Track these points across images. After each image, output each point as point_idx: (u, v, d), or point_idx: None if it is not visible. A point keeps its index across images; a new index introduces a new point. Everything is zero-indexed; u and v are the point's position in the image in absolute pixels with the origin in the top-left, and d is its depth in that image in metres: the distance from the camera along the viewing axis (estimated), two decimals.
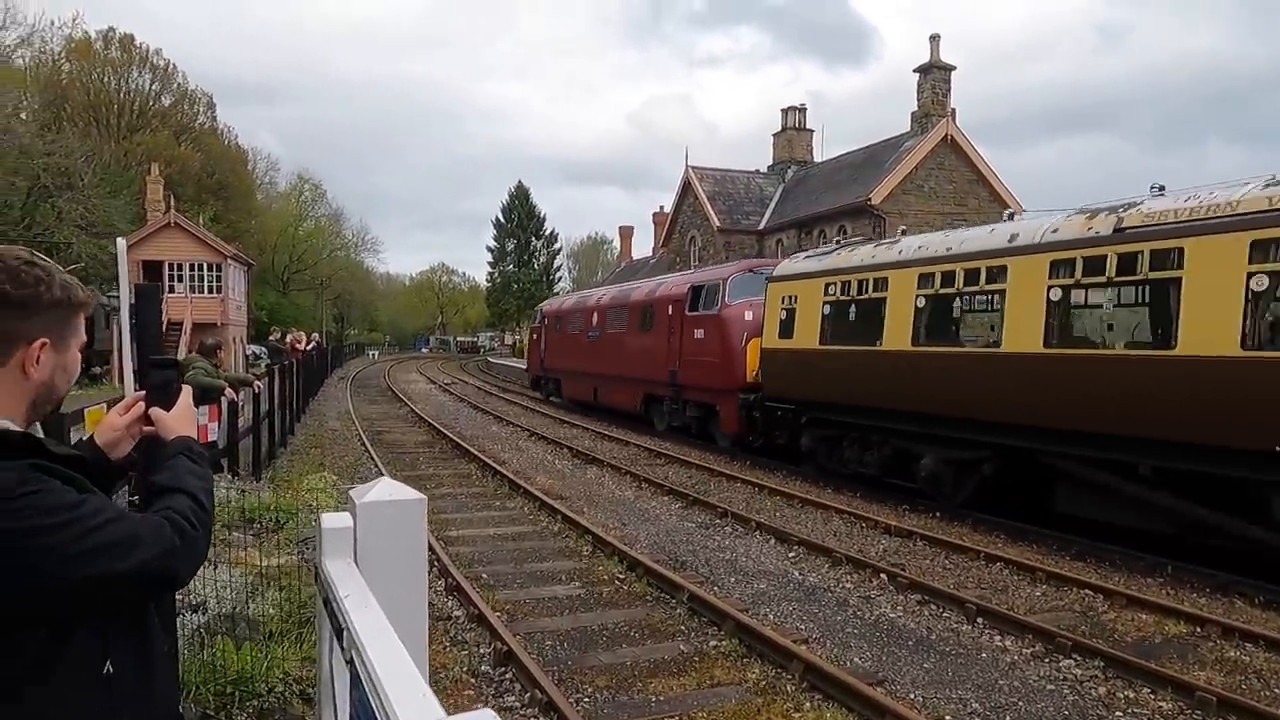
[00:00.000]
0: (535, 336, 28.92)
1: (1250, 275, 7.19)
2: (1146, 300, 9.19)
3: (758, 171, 36.83)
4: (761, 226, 33.28)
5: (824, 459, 13.24)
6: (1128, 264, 8.40)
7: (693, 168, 35.57)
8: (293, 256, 68.13)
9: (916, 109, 28.34)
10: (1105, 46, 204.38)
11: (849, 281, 12.51)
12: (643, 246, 59.60)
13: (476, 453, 14.89)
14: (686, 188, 36.05)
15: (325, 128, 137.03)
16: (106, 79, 50.87)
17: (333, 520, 2.37)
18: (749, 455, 15.09)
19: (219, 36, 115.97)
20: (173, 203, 37.83)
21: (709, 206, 33.70)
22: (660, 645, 6.13)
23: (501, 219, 74.11)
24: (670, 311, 18.04)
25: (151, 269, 35.18)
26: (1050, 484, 9.60)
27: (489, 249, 74.81)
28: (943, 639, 6.35)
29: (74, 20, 64.54)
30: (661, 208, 50.55)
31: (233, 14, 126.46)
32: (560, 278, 77.20)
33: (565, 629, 6.44)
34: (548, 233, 75.11)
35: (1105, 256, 8.58)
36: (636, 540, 9.12)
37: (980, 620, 6.66)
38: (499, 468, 13.27)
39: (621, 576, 7.76)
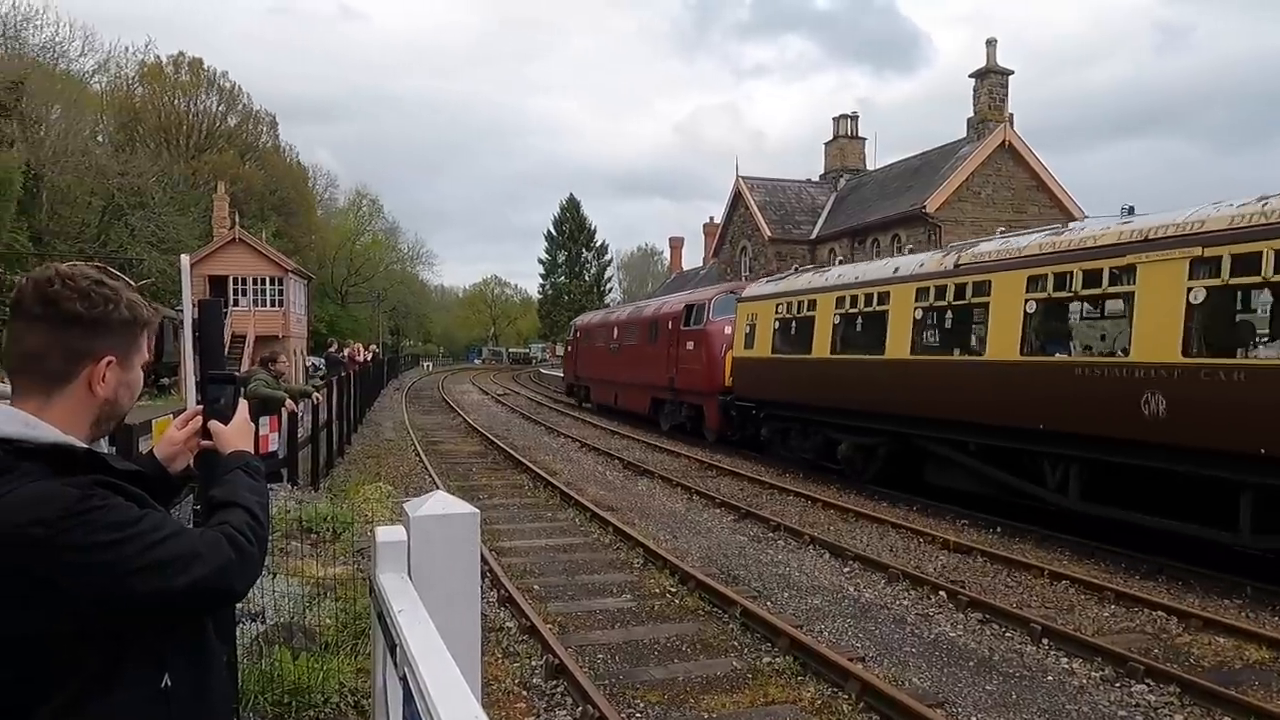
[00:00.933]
0: (569, 348, 32.58)
1: (1026, 301, 9.98)
2: (971, 319, 11.67)
3: (809, 180, 36.47)
4: (813, 236, 32.91)
5: (778, 447, 15.96)
6: (960, 291, 11.16)
7: (743, 178, 35.40)
8: (351, 270, 69.81)
9: (973, 115, 27.74)
10: (1166, 47, 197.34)
11: (791, 303, 15.37)
12: (693, 257, 59.64)
13: (528, 463, 14.97)
14: (737, 198, 35.88)
15: (382, 144, 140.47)
16: (177, 101, 52.97)
17: (387, 534, 2.38)
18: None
19: (281, 59, 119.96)
20: (237, 219, 39.08)
21: (760, 216, 33.47)
22: (713, 661, 6.05)
23: (553, 231, 74.94)
24: (670, 327, 20.73)
25: (217, 283, 36.37)
26: (922, 461, 12.16)
27: (540, 261, 75.74)
28: (1006, 660, 6.14)
29: (146, 46, 67.51)
30: (711, 218, 50.53)
31: (294, 37, 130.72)
32: (611, 289, 77.67)
33: (617, 642, 6.40)
34: (598, 244, 75.70)
35: (946, 285, 11.38)
36: (688, 553, 9.05)
37: (1045, 641, 6.42)
38: (550, 479, 13.32)
39: (673, 590, 7.69)
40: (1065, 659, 6.13)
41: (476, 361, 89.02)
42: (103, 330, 1.48)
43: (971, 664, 6.06)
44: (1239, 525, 7.76)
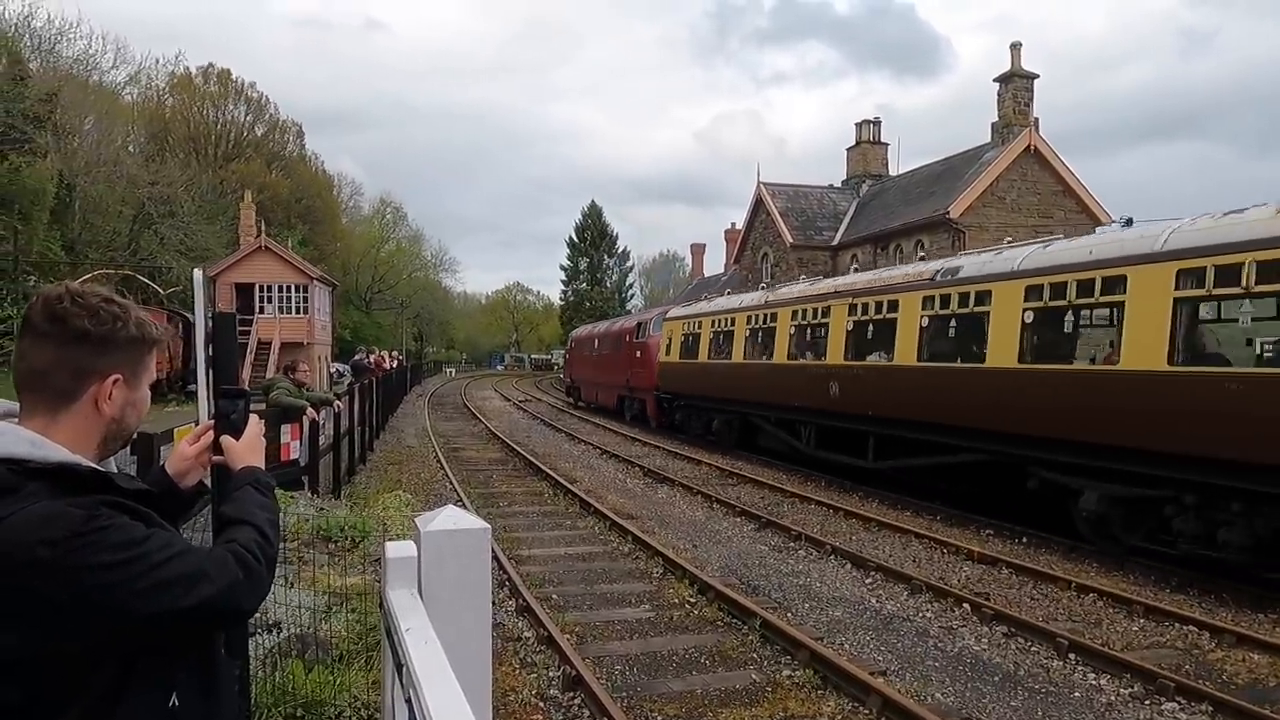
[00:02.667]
0: (567, 356, 40.89)
1: (790, 325, 16.26)
2: (768, 336, 17.40)
3: (831, 186, 36.28)
4: (835, 242, 32.72)
5: (685, 427, 21.64)
6: (764, 319, 17.51)
7: (765, 184, 35.28)
8: (375, 277, 70.47)
9: (997, 119, 27.45)
10: (1191, 50, 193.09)
11: (690, 322, 21.84)
12: (715, 264, 59.55)
13: (549, 470, 14.98)
14: (758, 204, 35.76)
15: (406, 153, 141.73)
16: (205, 111, 53.84)
17: (397, 549, 2.36)
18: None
19: (307, 69, 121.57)
20: (264, 227, 39.57)
21: (781, 223, 33.32)
22: (732, 673, 5.98)
23: (575, 238, 75.22)
24: (628, 339, 26.61)
25: (244, 291, 36.84)
26: (756, 431, 18.20)
27: (562, 268, 76.06)
28: (1031, 675, 6.02)
29: (176, 57, 68.74)
30: (733, 224, 50.47)
31: (320, 49, 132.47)
32: (632, 295, 77.82)
33: (635, 653, 6.36)
34: (620, 251, 75.92)
35: (760, 314, 17.72)
36: (707, 563, 8.98)
37: (1072, 656, 6.29)
38: (570, 486, 13.31)
39: (692, 600, 7.64)
40: (1093, 675, 6.00)
41: (499, 367, 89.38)
42: (110, 348, 1.48)
43: (996, 679, 5.94)
44: (868, 456, 13.47)
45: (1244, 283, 7.58)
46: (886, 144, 35.79)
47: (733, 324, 18.78)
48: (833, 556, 9.38)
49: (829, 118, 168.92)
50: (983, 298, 10.94)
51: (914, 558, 9.39)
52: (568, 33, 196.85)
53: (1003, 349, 10.38)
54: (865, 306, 13.74)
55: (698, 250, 64.64)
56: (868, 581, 8.44)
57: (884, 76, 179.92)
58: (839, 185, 36.26)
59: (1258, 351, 8.46)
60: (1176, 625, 7.04)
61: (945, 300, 11.75)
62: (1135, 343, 8.58)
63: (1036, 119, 26.94)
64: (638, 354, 24.99)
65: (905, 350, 12.41)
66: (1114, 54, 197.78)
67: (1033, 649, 6.53)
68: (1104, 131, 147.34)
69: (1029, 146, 26.60)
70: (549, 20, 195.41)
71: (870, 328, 13.65)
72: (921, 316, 12.10)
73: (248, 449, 1.85)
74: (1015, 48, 26.96)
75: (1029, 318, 10.04)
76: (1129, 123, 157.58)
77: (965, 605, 7.45)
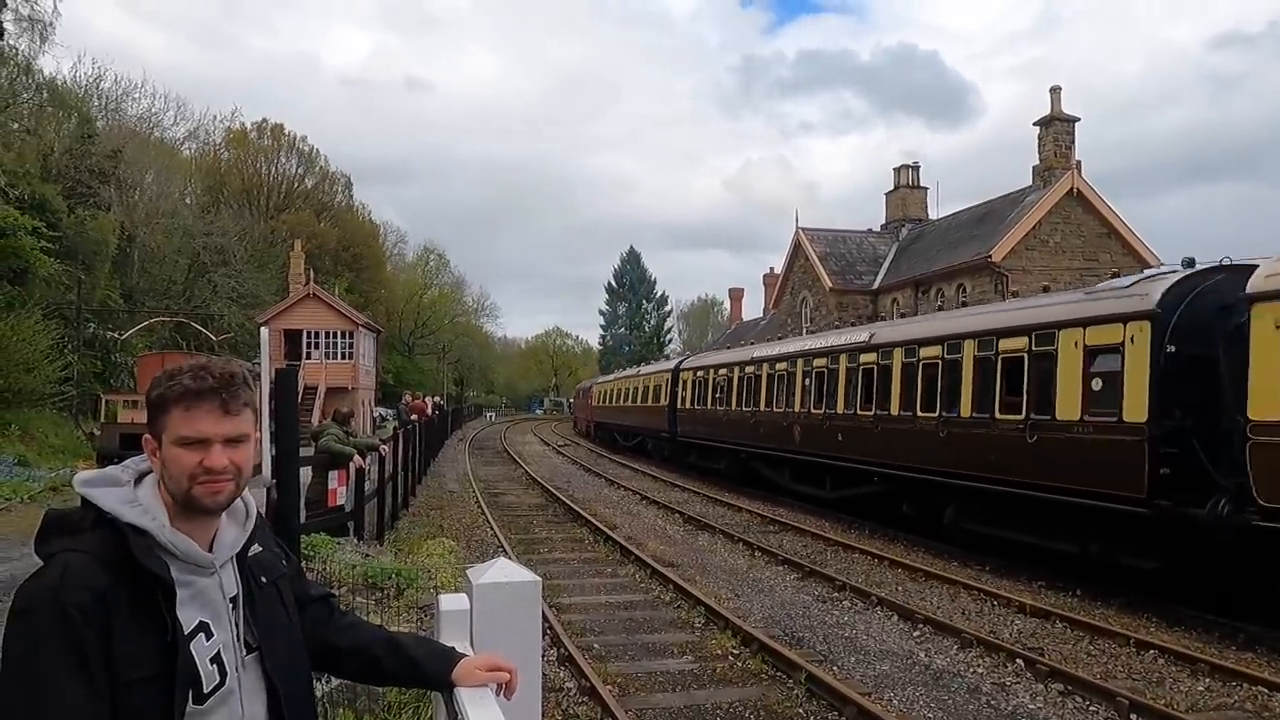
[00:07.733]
0: (573, 401, 62.42)
1: (612, 389, 39.82)
2: (648, 391, 32.17)
3: (870, 230, 36.25)
4: (875, 286, 32.57)
5: (607, 441, 39.46)
6: (642, 382, 33.45)
7: (803, 229, 35.38)
8: (418, 322, 71.65)
9: (1038, 162, 27.32)
10: (1223, 93, 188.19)
11: (603, 383, 43.52)
12: (753, 308, 59.58)
13: (588, 516, 14.94)
14: (797, 249, 35.83)
15: (449, 202, 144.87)
16: (259, 164, 55.85)
17: (450, 602, 2.38)
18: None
19: (354, 125, 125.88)
20: (312, 275, 40.61)
21: (820, 267, 33.31)
22: None
23: (614, 283, 75.98)
24: (586, 392, 48.34)
25: (292, 337, 37.71)
26: (617, 439, 37.54)
27: (601, 313, 76.81)
28: None
29: (233, 113, 71.69)
30: (771, 269, 50.55)
31: (366, 106, 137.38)
32: (670, 340, 77.95)
33: (678, 706, 6.27)
34: (658, 296, 76.37)
35: (635, 378, 35.49)
36: (750, 613, 8.85)
37: (1134, 717, 6.04)
38: (610, 533, 13.26)
39: (735, 651, 7.52)
40: None
41: (538, 411, 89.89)
42: (148, 413, 1.58)
43: None
44: (629, 441, 35.47)
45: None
46: (925, 188, 35.73)
47: (612, 386, 36.90)
48: (879, 608, 9.18)
49: (858, 164, 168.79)
50: (647, 381, 31.36)
51: (963, 610, 9.15)
52: (604, 87, 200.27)
53: (643, 399, 31.28)
54: (631, 381, 34.15)
55: (736, 295, 64.83)
56: (916, 634, 8.24)
57: (912, 121, 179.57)
58: (878, 229, 36.23)
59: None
60: (1244, 685, 6.74)
61: (634, 380, 33.62)
62: (647, 394, 31.27)
63: (1079, 161, 26.73)
64: (586, 400, 46.33)
65: (642, 400, 31.32)
66: (1150, 97, 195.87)
67: (1091, 709, 6.29)
68: (1147, 173, 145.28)
69: (1072, 189, 26.35)
70: (585, 76, 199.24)
71: (635, 389, 32.81)
72: (640, 388, 31.55)
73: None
74: (1055, 91, 26.92)
75: (644, 392, 31.14)
76: (1172, 164, 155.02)
77: (1018, 661, 7.23)
